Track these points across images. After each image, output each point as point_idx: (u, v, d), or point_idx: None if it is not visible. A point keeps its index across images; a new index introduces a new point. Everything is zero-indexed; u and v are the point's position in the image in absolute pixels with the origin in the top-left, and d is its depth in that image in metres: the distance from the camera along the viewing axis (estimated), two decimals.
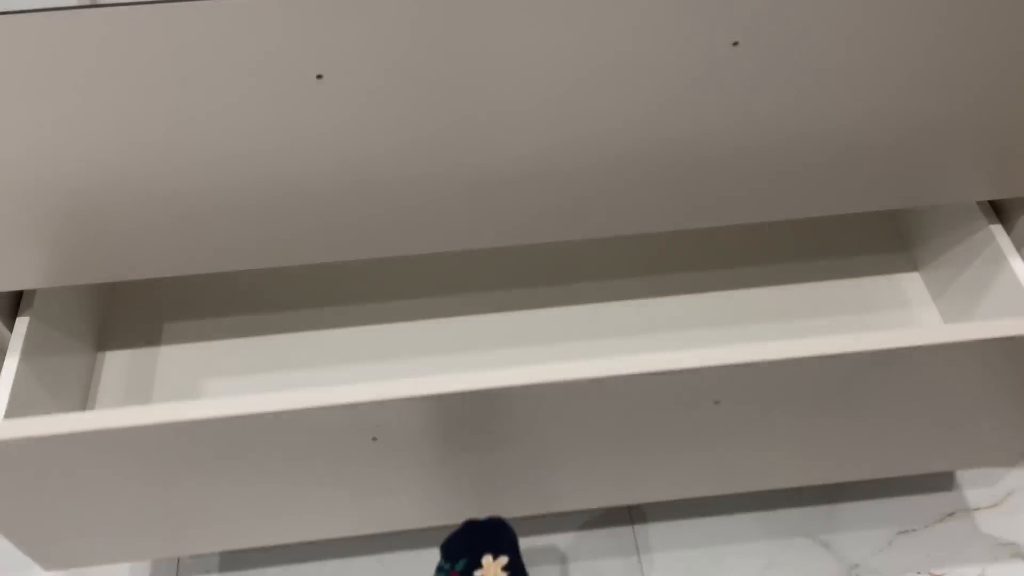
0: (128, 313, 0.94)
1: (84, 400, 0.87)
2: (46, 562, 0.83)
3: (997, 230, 0.85)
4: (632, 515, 1.05)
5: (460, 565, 0.72)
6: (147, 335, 0.93)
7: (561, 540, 1.04)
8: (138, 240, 0.69)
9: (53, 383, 0.80)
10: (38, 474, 0.70)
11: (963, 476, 1.05)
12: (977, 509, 1.02)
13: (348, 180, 0.67)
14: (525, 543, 0.80)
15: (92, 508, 0.75)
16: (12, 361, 0.76)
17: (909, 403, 0.79)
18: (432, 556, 0.78)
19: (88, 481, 0.72)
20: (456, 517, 0.81)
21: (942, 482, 1.05)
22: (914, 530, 1.01)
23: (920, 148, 0.73)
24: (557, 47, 0.61)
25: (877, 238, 1.00)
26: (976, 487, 1.04)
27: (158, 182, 0.65)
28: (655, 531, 1.04)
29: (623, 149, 0.68)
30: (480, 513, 0.81)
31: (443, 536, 0.77)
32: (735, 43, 0.62)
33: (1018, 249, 0.84)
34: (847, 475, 0.89)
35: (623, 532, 1.04)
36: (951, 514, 1.02)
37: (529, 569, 0.75)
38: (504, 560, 0.72)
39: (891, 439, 0.84)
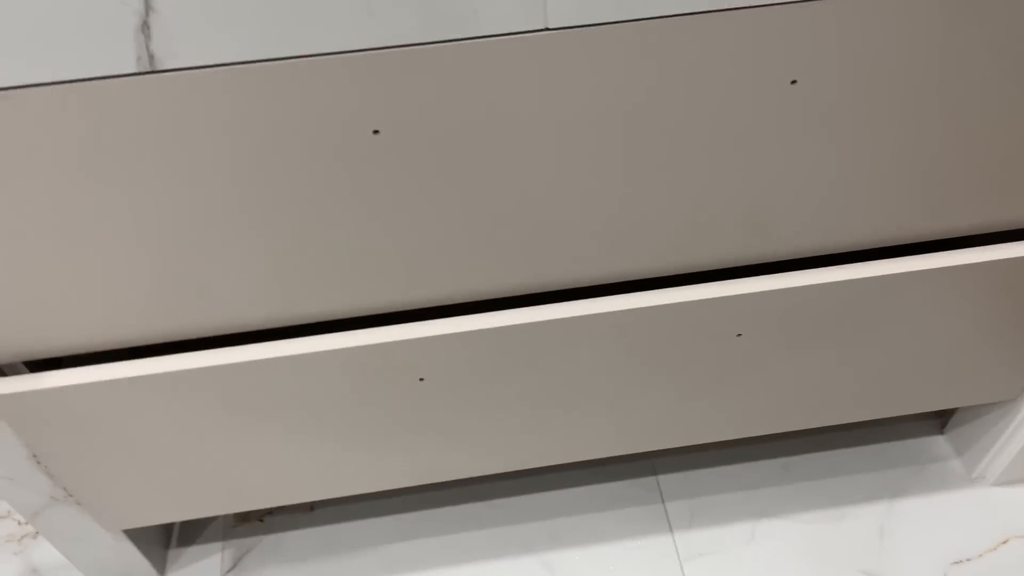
0: None
1: None
2: (106, 522, 0.89)
3: None
4: (655, 466, 1.12)
5: None
6: None
7: (588, 491, 1.10)
8: None
9: None
10: (101, 423, 0.75)
11: (1010, 496, 1.07)
12: None
13: None
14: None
15: (148, 460, 0.81)
16: None
17: (918, 332, 0.83)
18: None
19: (146, 431, 0.76)
20: (495, 466, 0.87)
21: (989, 505, 1.07)
22: (968, 560, 1.03)
23: None
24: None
25: None
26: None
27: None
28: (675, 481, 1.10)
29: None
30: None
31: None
32: None
33: None
34: (859, 414, 0.94)
35: (648, 482, 1.11)
36: (1005, 542, 1.04)
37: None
38: None
39: (901, 371, 0.89)
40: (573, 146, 0.62)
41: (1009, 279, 0.79)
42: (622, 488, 1.11)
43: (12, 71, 0.52)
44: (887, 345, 0.85)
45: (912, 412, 0.97)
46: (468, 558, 1.05)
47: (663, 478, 1.12)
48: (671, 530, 1.07)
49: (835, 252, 0.76)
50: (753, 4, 0.56)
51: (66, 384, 0.72)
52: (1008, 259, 0.77)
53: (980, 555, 1.03)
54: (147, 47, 0.52)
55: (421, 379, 0.78)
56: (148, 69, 0.53)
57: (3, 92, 0.52)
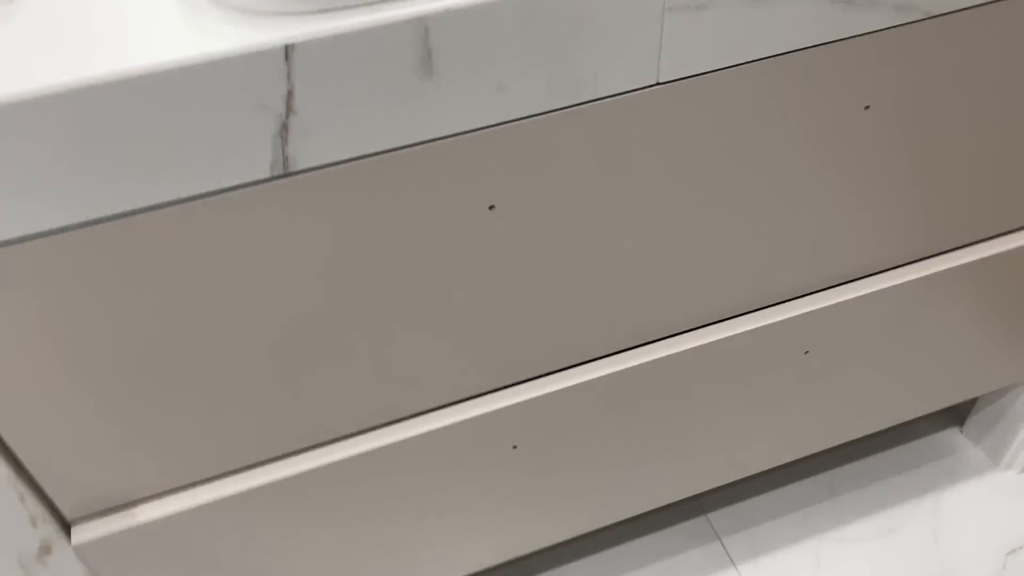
0: None
1: None
2: None
3: None
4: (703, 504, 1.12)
5: None
6: None
7: (643, 544, 1.09)
8: None
9: None
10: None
11: None
12: None
13: None
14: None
15: None
16: None
17: (940, 329, 0.88)
18: None
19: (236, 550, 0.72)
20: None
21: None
22: (1021, 547, 1.05)
23: None
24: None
25: None
26: None
27: None
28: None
29: None
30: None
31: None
32: None
33: None
34: (895, 417, 0.97)
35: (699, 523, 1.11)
36: None
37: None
38: None
39: (928, 370, 0.92)
40: (683, 194, 0.63)
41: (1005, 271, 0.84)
42: (675, 534, 1.10)
43: (142, 193, 0.49)
44: (915, 346, 0.89)
45: (940, 407, 1.01)
46: None
47: (713, 515, 1.12)
48: (734, 564, 1.06)
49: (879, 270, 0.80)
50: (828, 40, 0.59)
51: (156, 517, 0.67)
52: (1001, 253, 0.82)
53: None
54: (283, 150, 0.50)
55: (515, 447, 0.76)
56: (281, 173, 0.51)
57: (132, 216, 0.49)
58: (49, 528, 0.65)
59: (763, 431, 0.90)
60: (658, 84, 0.57)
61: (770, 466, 0.96)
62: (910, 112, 0.66)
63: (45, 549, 0.66)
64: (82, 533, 0.66)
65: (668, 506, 1.13)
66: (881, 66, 0.62)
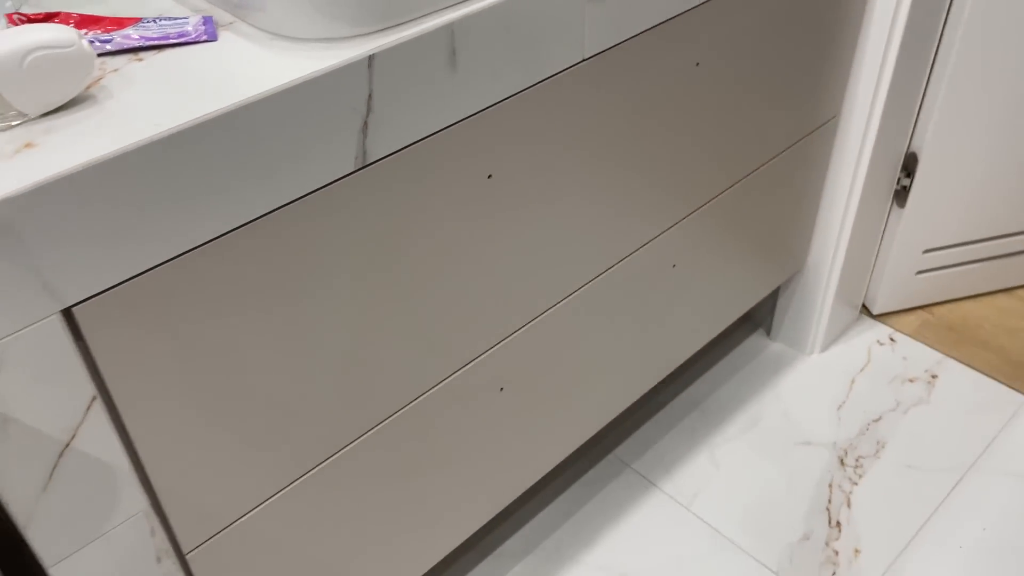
0: None
1: None
2: None
3: None
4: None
5: None
6: None
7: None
8: None
9: None
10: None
11: (836, 354, 1.45)
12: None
13: None
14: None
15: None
16: None
17: (727, 247, 1.16)
18: None
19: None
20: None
21: (827, 364, 1.45)
22: (842, 404, 1.38)
23: None
24: None
25: None
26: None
27: None
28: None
29: None
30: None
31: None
32: None
33: None
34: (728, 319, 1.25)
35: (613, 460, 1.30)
36: (852, 381, 1.44)
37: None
38: None
39: (724, 288, 1.20)
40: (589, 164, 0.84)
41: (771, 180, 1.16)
42: (595, 479, 1.28)
43: (242, 209, 0.60)
44: (711, 270, 1.17)
45: (743, 311, 1.29)
46: None
47: (618, 451, 1.32)
48: (651, 482, 1.27)
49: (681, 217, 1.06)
50: None
51: (255, 529, 0.73)
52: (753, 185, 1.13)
53: (845, 398, 1.39)
54: (364, 144, 0.64)
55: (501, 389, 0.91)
56: (362, 165, 0.65)
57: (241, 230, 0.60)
58: (169, 564, 0.69)
59: (638, 355, 1.12)
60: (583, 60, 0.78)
61: (647, 389, 1.17)
62: (726, 63, 0.93)
63: None
64: (199, 562, 0.71)
65: (578, 458, 1.31)
66: (707, 32, 0.88)
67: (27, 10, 0.64)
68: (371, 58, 0.61)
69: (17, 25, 0.60)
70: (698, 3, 0.85)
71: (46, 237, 0.51)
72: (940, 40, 1.19)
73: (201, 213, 0.58)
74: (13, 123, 0.54)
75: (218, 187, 0.57)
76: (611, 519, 1.23)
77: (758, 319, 1.52)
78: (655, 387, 1.42)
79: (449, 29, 0.65)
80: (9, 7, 0.64)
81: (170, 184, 0.55)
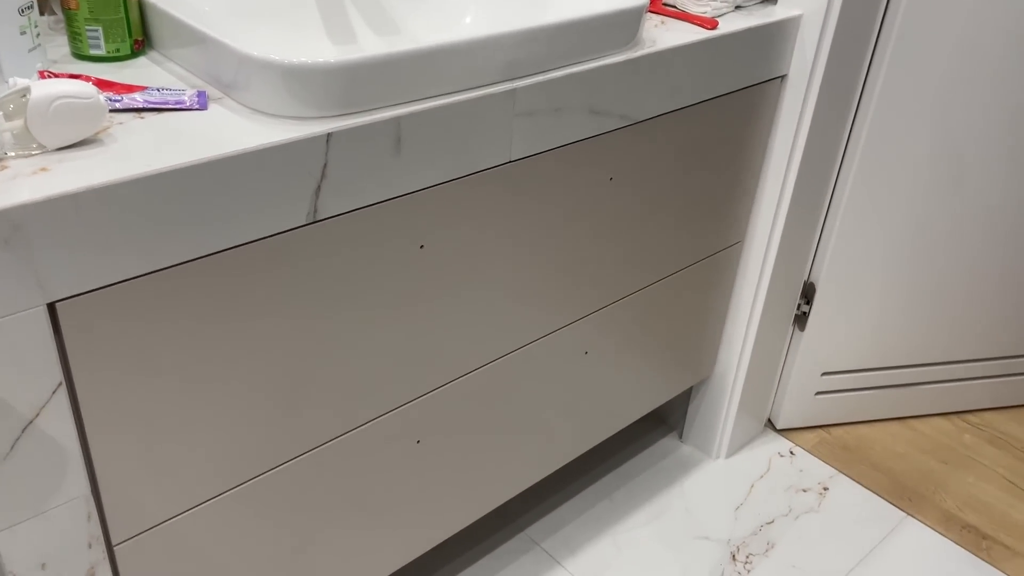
0: None
1: None
2: None
3: None
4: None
5: None
6: None
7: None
8: None
9: None
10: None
11: (742, 460, 1.59)
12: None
13: None
14: None
15: None
16: None
17: (630, 348, 1.30)
18: None
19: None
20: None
21: (732, 468, 1.58)
22: (741, 504, 1.48)
23: None
24: None
25: None
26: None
27: None
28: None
29: None
30: None
31: None
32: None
33: None
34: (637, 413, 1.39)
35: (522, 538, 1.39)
36: (752, 486, 1.55)
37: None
38: None
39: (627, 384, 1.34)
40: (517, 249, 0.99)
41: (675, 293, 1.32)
42: (504, 553, 1.37)
43: (209, 241, 0.74)
44: (621, 364, 1.31)
45: (650, 408, 1.42)
46: None
47: (529, 530, 1.41)
48: (557, 561, 1.36)
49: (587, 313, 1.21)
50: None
51: (186, 530, 0.83)
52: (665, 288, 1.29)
53: (743, 500, 1.51)
54: (315, 203, 0.78)
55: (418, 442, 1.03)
56: (312, 220, 0.79)
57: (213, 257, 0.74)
58: (98, 552, 0.79)
59: (548, 433, 1.24)
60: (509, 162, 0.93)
61: (556, 468, 1.28)
62: (638, 181, 1.10)
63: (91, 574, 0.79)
64: (126, 553, 0.80)
65: (492, 533, 1.40)
66: (620, 153, 1.05)
67: (56, 70, 0.79)
68: (329, 135, 0.76)
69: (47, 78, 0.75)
70: (612, 128, 1.02)
71: (47, 240, 0.64)
72: (836, 181, 1.38)
73: (174, 240, 0.71)
74: (34, 152, 0.68)
75: (191, 221, 0.71)
76: None
77: (672, 422, 1.65)
78: (571, 473, 1.53)
79: (397, 121, 0.80)
80: (39, 65, 0.79)
81: (152, 212, 0.68)
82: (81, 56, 0.85)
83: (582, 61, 0.95)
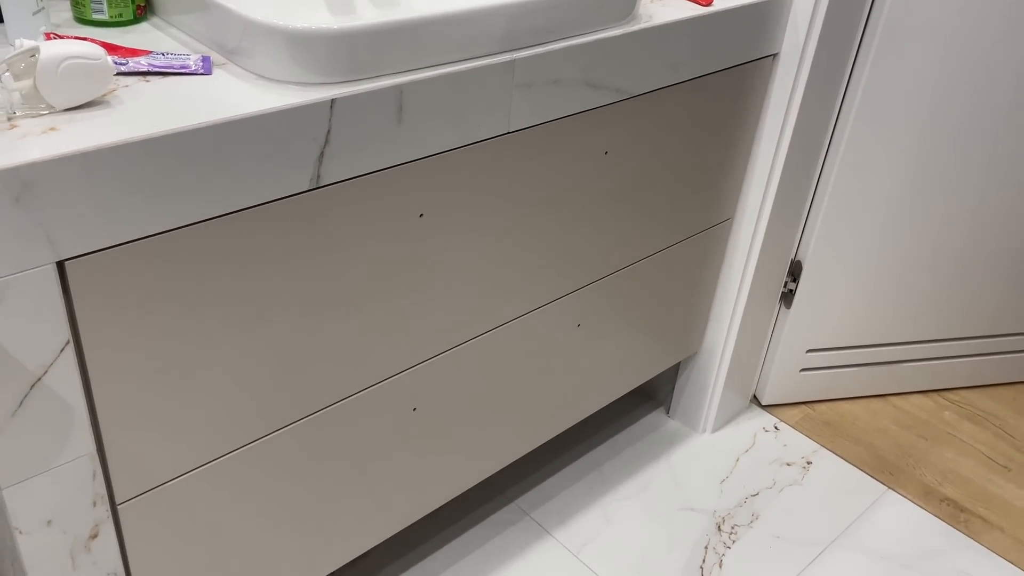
0: None
1: None
2: None
3: None
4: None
5: None
6: None
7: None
8: None
9: None
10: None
11: (724, 436, 1.62)
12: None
13: None
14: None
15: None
16: None
17: (623, 322, 1.32)
18: None
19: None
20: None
21: (717, 444, 1.61)
22: (726, 477, 1.51)
23: None
24: None
25: None
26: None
27: None
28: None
29: None
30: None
31: None
32: None
33: None
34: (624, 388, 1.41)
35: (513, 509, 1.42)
36: (737, 460, 1.57)
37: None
38: None
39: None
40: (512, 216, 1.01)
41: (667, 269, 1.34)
42: (495, 523, 1.39)
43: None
44: (614, 338, 1.33)
45: (641, 382, 1.45)
46: None
47: (519, 501, 1.43)
48: (547, 531, 1.38)
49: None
50: None
51: (188, 491, 0.84)
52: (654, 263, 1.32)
53: (729, 474, 1.54)
54: (319, 169, 0.79)
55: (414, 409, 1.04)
56: (316, 186, 0.80)
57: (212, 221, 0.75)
58: (103, 510, 0.80)
59: (540, 403, 1.27)
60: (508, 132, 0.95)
61: (547, 439, 1.31)
62: (632, 156, 1.11)
63: (94, 533, 0.80)
64: (130, 512, 0.82)
65: (483, 503, 1.43)
66: (615, 127, 1.07)
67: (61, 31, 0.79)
68: (333, 101, 0.77)
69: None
70: (608, 102, 1.04)
71: (57, 198, 0.65)
72: (824, 161, 1.41)
73: (180, 202, 0.72)
74: (43, 112, 0.68)
75: (196, 183, 0.72)
76: (505, 559, 1.34)
77: (660, 398, 1.68)
78: (560, 446, 1.55)
79: (399, 89, 0.82)
80: (44, 28, 0.80)
81: (158, 174, 0.69)
82: (84, 20, 0.85)
83: (580, 34, 0.96)
